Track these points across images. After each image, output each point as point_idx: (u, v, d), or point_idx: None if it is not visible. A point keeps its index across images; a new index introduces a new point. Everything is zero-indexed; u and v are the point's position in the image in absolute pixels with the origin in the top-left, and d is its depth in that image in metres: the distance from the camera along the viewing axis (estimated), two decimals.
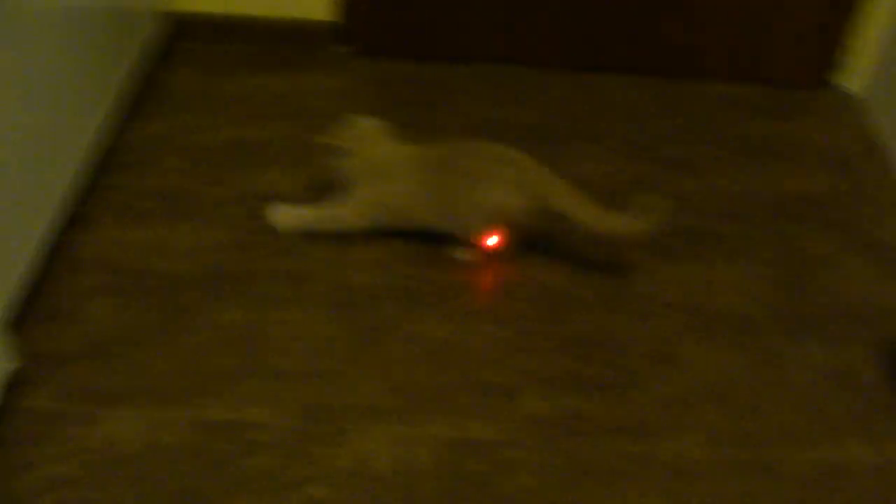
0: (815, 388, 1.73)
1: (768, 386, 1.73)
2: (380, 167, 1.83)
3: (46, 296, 1.75)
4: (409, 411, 1.62)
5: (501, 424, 1.61)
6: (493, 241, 1.85)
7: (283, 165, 2.08)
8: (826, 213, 2.10)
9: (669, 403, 1.68)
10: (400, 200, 1.82)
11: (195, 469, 1.51)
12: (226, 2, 2.39)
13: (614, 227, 1.77)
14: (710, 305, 1.85)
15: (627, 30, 2.37)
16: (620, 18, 2.35)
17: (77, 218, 1.90)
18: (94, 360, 1.66)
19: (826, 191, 2.16)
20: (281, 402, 1.61)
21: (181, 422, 1.57)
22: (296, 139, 2.15)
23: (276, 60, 2.41)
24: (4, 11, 1.52)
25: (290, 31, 2.41)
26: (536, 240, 1.91)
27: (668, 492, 1.55)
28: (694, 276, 1.90)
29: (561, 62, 2.43)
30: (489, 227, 1.81)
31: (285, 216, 1.90)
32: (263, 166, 2.07)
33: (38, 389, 1.60)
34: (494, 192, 1.76)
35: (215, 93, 2.28)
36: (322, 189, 1.97)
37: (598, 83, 2.41)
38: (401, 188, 1.82)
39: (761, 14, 2.34)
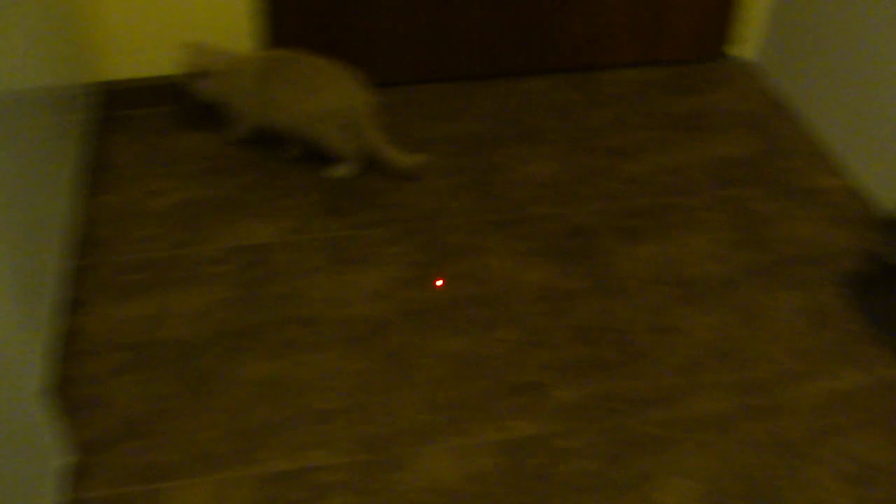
0: (799, 330, 1.90)
1: (759, 336, 1.88)
2: (235, 79, 2.18)
3: (68, 384, 1.76)
4: (455, 424, 1.70)
5: (541, 418, 1.72)
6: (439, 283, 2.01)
7: (255, 214, 2.12)
8: (757, 171, 2.28)
9: (681, 368, 1.82)
10: (264, 105, 2.17)
11: None
12: (153, 65, 2.41)
13: (391, 157, 2.17)
14: (687, 273, 2.00)
15: (535, 30, 2.50)
16: (526, 20, 2.48)
17: (71, 303, 1.91)
18: (137, 439, 1.68)
19: (751, 151, 2.34)
20: (334, 441, 1.68)
21: (245, 481, 1.61)
22: (260, 189, 2.20)
23: (213, 116, 2.45)
24: None
25: None
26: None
27: (705, 445, 1.68)
28: (665, 250, 2.05)
29: (479, 72, 2.55)
30: (323, 126, 2.15)
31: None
32: (234, 219, 2.11)
33: (93, 479, 1.62)
34: (328, 96, 2.13)
35: (159, 155, 2.30)
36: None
37: (519, 87, 2.54)
38: (264, 96, 2.16)
39: None
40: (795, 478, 1.65)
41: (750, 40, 2.64)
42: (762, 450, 1.69)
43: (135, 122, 2.42)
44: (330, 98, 2.12)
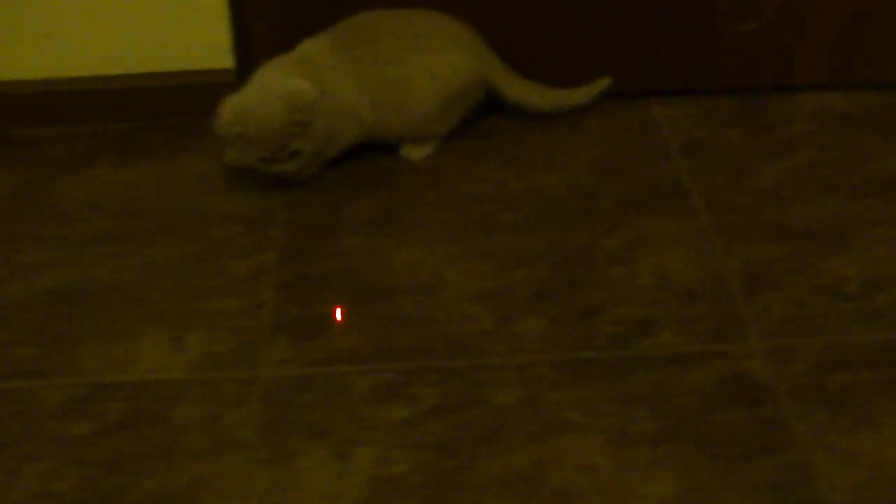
0: None
1: None
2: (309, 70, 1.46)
3: None
4: None
5: None
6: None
7: (158, 321, 1.22)
8: None
9: None
10: (342, 101, 1.46)
11: None
12: (59, 63, 1.61)
13: (550, 101, 1.57)
14: None
15: (677, 32, 1.58)
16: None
17: None
18: None
19: None
20: None
21: None
22: (186, 270, 1.30)
23: (142, 141, 1.56)
24: None
25: (166, 94, 1.61)
26: None
27: None
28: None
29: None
30: (443, 104, 1.49)
31: None
32: (123, 326, 1.21)
33: None
34: (449, 53, 1.50)
35: (44, 205, 1.44)
36: None
37: (649, 113, 1.59)
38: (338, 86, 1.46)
39: None
40: None
41: None
42: None
43: (27, 147, 1.58)
44: (460, 55, 1.50)
